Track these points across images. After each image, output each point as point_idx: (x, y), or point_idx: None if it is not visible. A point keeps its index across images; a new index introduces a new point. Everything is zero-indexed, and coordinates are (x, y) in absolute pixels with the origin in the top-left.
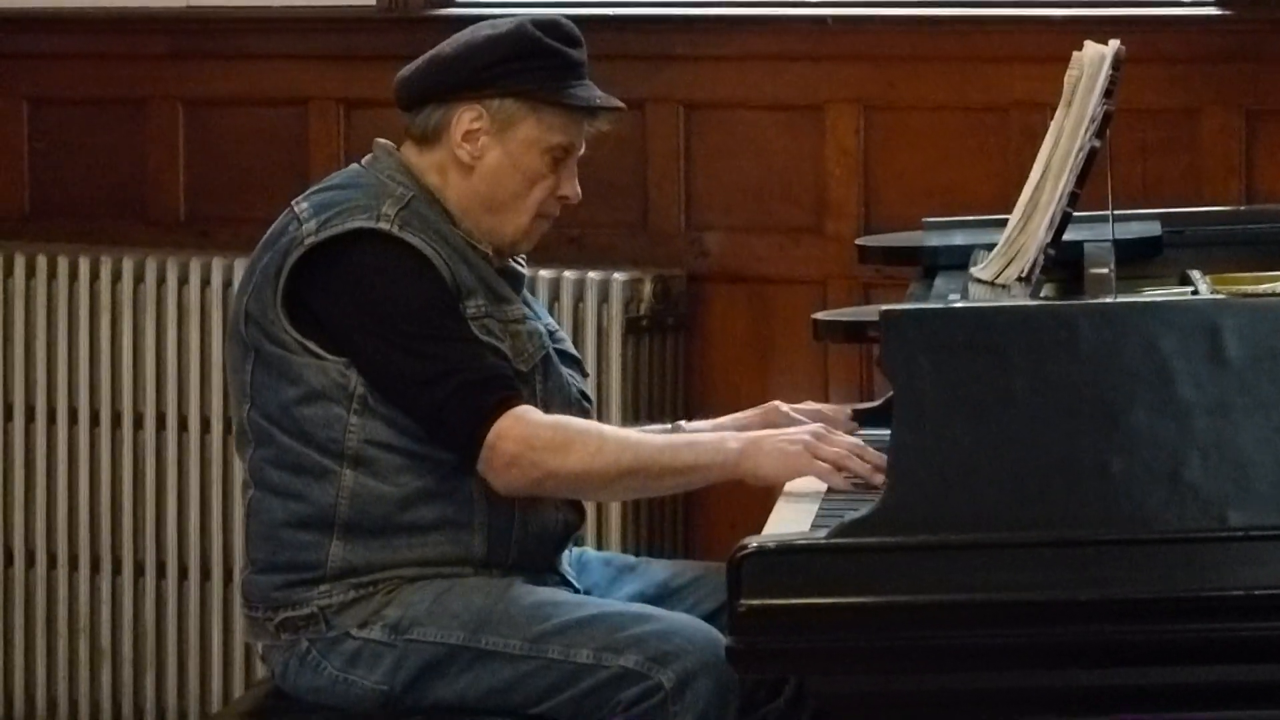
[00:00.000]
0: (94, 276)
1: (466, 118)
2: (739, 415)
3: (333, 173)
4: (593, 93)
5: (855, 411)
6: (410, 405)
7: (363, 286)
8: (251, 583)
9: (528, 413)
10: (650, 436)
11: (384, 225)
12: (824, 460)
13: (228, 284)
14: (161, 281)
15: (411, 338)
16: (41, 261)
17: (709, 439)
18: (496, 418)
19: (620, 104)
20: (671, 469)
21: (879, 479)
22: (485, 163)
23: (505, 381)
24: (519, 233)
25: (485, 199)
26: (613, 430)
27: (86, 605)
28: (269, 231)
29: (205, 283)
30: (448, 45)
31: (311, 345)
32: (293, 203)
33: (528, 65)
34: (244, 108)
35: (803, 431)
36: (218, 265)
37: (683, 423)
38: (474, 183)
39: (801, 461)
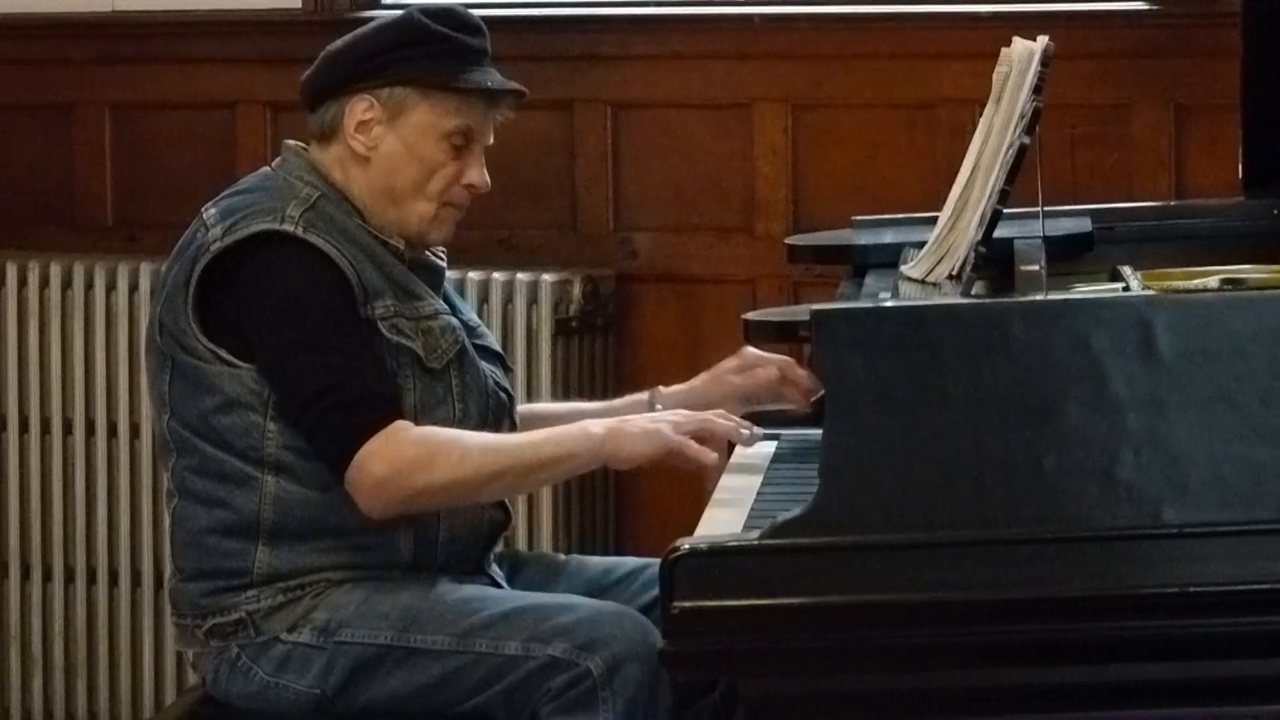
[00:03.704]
0: (22, 282)
1: (359, 108)
2: (706, 373)
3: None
4: (490, 76)
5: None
6: (290, 418)
7: (265, 289)
8: (179, 591)
9: (395, 432)
10: (514, 436)
11: (288, 227)
12: (686, 433)
13: (155, 289)
14: (90, 287)
15: (298, 347)
16: None
17: (572, 428)
18: (364, 440)
19: (518, 86)
20: (538, 463)
21: (744, 435)
22: (380, 152)
23: (377, 400)
24: (425, 222)
25: (385, 189)
26: (476, 436)
27: (17, 612)
28: (180, 240)
29: (134, 288)
30: (339, 40)
31: (224, 353)
32: (202, 210)
33: (415, 52)
34: (171, 111)
35: (666, 414)
36: (146, 270)
37: (660, 388)
38: (372, 174)
39: (660, 439)
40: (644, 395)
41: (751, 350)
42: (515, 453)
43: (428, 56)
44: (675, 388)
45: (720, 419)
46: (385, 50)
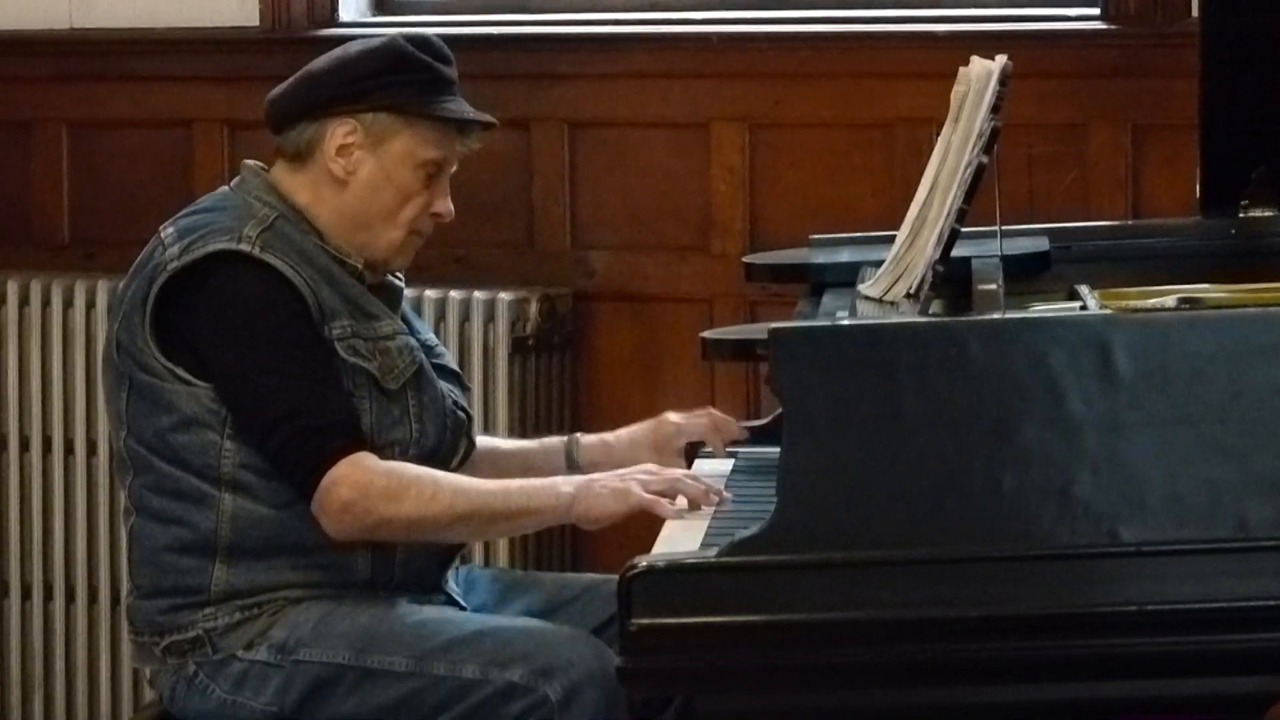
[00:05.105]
0: None
1: (340, 132)
2: (631, 429)
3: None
4: (464, 107)
5: (745, 429)
6: (254, 442)
7: (222, 309)
8: (136, 608)
9: (364, 459)
10: (486, 482)
11: (245, 246)
12: (654, 491)
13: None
14: (46, 304)
15: (261, 371)
16: None
17: (543, 483)
18: (332, 464)
19: (492, 119)
20: (505, 513)
21: (712, 500)
22: (359, 177)
23: (345, 427)
24: (392, 249)
25: (358, 215)
26: (448, 476)
27: None
28: (138, 259)
29: (90, 305)
30: (319, 61)
31: (181, 372)
32: (160, 228)
33: (400, 79)
34: (128, 129)
35: (634, 470)
36: (103, 288)
37: (578, 435)
38: (347, 198)
39: (632, 499)
40: (560, 440)
41: (670, 421)
42: (484, 499)
43: (411, 84)
44: (592, 438)
45: (690, 482)
46: (371, 75)
